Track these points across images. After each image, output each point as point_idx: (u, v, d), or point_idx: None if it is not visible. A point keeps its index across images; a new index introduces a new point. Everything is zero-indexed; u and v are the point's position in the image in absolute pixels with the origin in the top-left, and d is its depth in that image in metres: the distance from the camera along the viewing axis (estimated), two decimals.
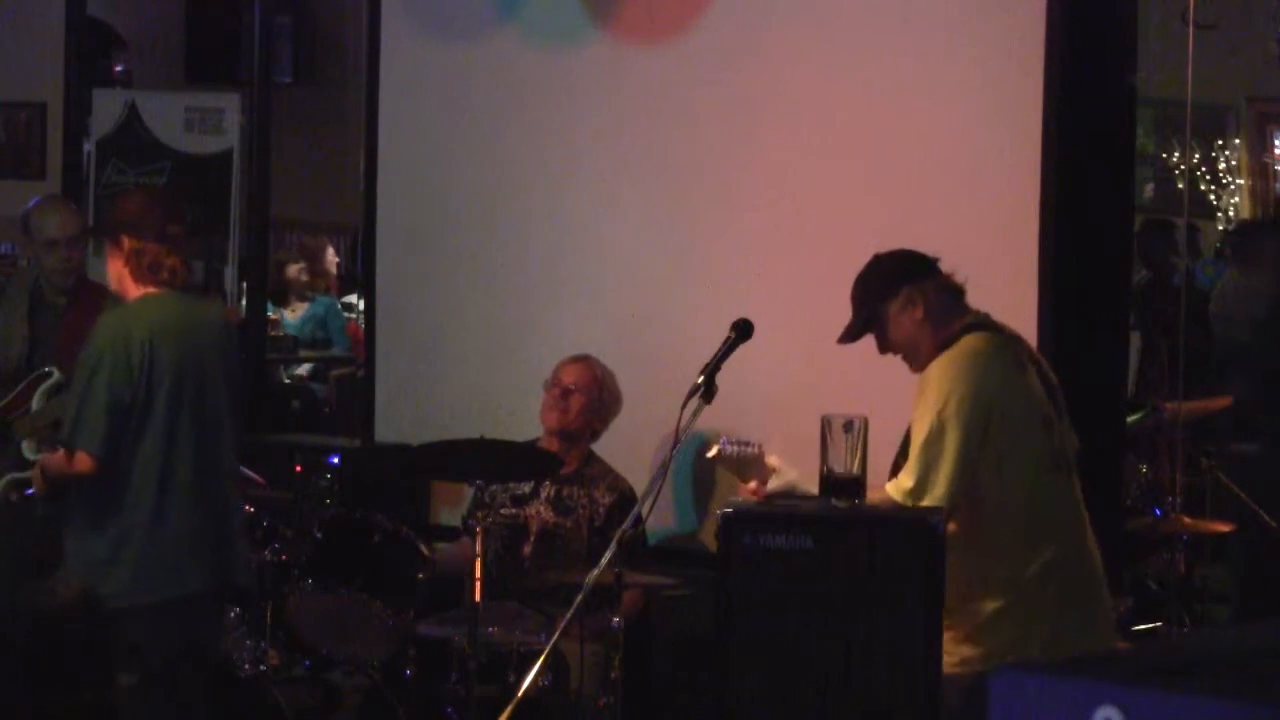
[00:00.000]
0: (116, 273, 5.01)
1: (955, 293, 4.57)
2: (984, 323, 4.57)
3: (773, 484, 4.50)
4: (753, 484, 4.53)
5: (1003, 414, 4.39)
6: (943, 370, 4.41)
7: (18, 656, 3.27)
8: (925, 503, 4.28)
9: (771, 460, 4.54)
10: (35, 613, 3.34)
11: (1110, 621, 4.59)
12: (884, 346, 4.59)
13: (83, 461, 4.83)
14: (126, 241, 4.96)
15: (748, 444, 4.55)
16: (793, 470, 4.51)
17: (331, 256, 11.34)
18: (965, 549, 4.30)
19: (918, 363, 4.52)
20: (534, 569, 5.80)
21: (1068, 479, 4.52)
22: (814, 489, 4.45)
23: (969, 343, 4.47)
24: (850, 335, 4.61)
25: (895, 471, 4.44)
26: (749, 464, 4.55)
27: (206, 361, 5.02)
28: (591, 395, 5.96)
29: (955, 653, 4.28)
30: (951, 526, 4.28)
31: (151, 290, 4.96)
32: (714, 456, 4.61)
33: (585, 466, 5.97)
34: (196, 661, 5.03)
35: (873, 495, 4.32)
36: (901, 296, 4.51)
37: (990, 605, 4.34)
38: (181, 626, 4.93)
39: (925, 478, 4.30)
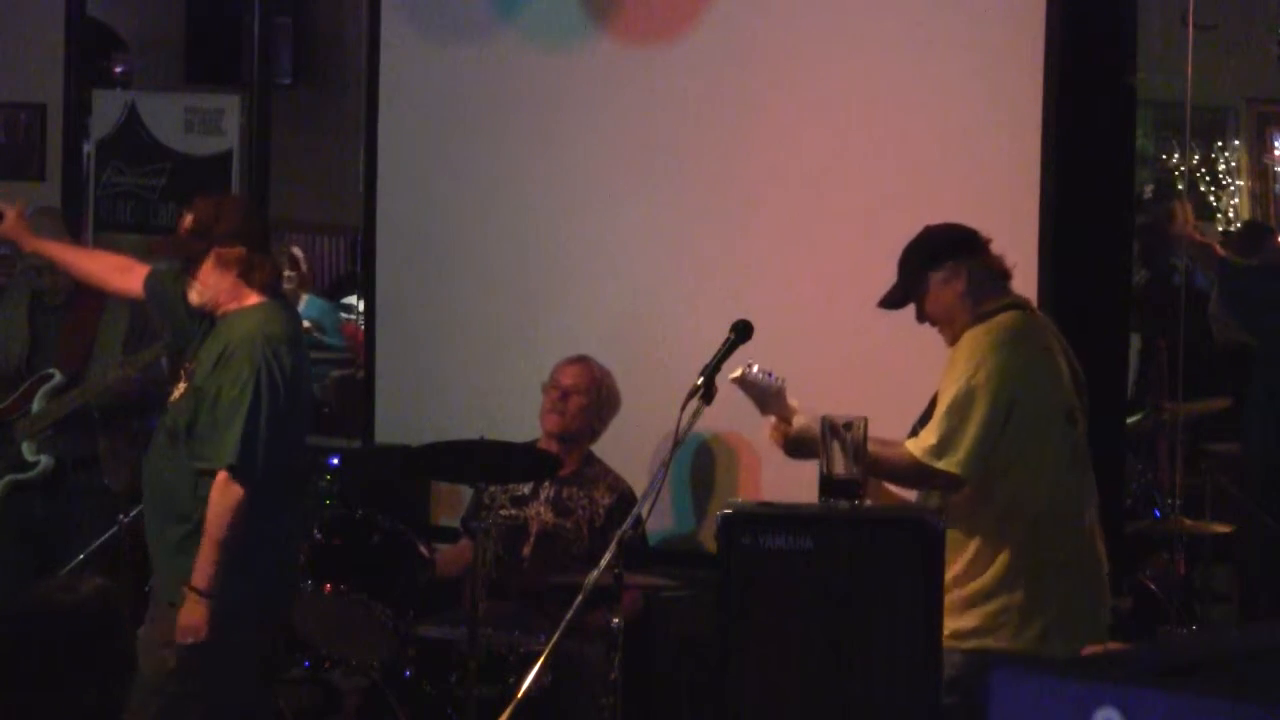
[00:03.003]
0: (228, 284, 4.85)
1: (1000, 274, 4.63)
2: (1023, 304, 4.63)
3: (797, 422, 4.52)
4: (774, 420, 4.56)
5: (1028, 394, 4.43)
6: (976, 341, 4.46)
7: (37, 655, 3.27)
8: (942, 464, 4.31)
9: (793, 402, 4.56)
10: (55, 609, 3.34)
11: (1105, 623, 4.60)
12: (922, 316, 4.64)
13: (251, 487, 4.75)
14: (242, 253, 4.85)
15: (771, 375, 4.56)
16: (807, 416, 4.54)
17: (298, 255, 11.33)
18: (976, 528, 4.34)
19: (952, 335, 4.56)
20: (534, 570, 5.80)
21: (1084, 478, 4.54)
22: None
23: (1004, 319, 4.52)
24: (892, 301, 4.67)
25: (914, 434, 4.47)
26: (770, 396, 4.57)
27: (309, 365, 5.12)
28: (590, 396, 5.96)
29: (949, 625, 4.30)
30: (967, 491, 4.32)
31: (268, 299, 4.90)
32: (736, 379, 4.59)
33: (585, 467, 5.97)
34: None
35: (890, 450, 4.35)
36: (946, 269, 4.57)
37: (981, 582, 4.36)
38: (284, 617, 5.11)
39: (949, 439, 4.33)
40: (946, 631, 4.28)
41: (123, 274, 5.26)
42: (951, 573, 4.35)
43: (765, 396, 4.59)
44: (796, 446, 4.56)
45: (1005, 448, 4.38)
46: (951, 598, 4.33)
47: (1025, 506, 4.41)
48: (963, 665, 4.21)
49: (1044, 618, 4.37)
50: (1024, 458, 4.41)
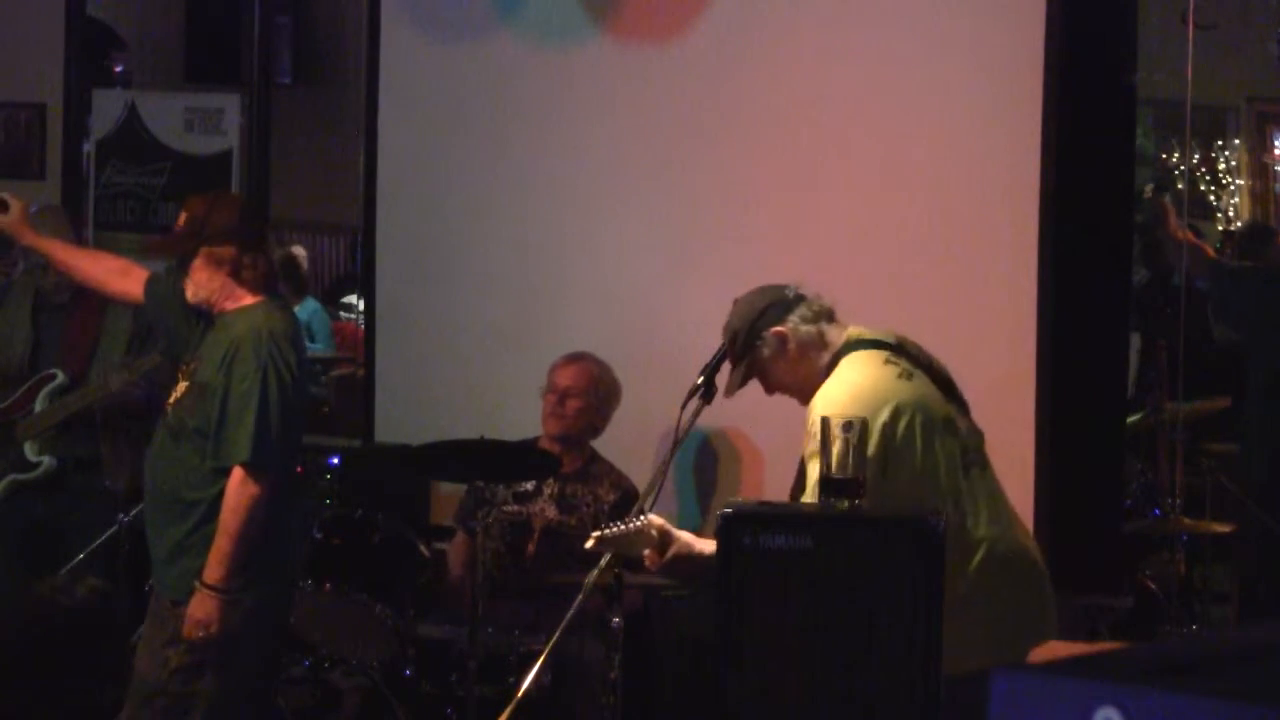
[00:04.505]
0: (219, 283, 4.85)
1: (823, 317, 4.42)
2: (859, 341, 4.40)
3: (674, 549, 4.33)
4: (649, 553, 4.35)
5: (899, 432, 4.24)
6: (828, 401, 4.23)
7: (32, 652, 3.28)
8: None
9: (655, 520, 4.35)
10: (53, 610, 3.35)
11: (1052, 614, 4.42)
12: (770, 389, 4.46)
13: (268, 482, 4.77)
14: (234, 251, 4.86)
15: (628, 523, 4.39)
16: (683, 533, 4.38)
17: (300, 255, 11.37)
18: None
19: (805, 398, 4.36)
20: (538, 568, 5.79)
21: (981, 475, 4.38)
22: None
23: (846, 370, 4.32)
24: (734, 387, 4.46)
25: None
26: (635, 539, 4.39)
27: (306, 365, 5.13)
28: (588, 397, 5.96)
29: None
30: None
31: (265, 298, 4.91)
32: (592, 548, 4.45)
33: (588, 465, 5.97)
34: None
35: None
36: (769, 339, 4.39)
37: None
38: (285, 616, 5.12)
39: None
40: None
41: (121, 277, 5.26)
42: None
43: (627, 543, 4.41)
44: (671, 570, 4.37)
45: (898, 487, 4.23)
46: None
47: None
48: None
49: (981, 627, 4.28)
50: (917, 487, 4.24)
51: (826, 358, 4.37)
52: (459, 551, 6.06)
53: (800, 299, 4.44)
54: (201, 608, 4.72)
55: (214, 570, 4.72)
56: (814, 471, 4.10)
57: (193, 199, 5.01)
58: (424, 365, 6.83)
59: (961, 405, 4.45)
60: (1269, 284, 7.24)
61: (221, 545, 4.71)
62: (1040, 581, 4.42)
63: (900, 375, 4.33)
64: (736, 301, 4.52)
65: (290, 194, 9.71)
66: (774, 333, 4.39)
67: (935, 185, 5.88)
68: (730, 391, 4.47)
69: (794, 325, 4.39)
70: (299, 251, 11.36)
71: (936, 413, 4.32)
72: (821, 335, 4.40)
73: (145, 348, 6.05)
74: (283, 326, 4.88)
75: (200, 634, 4.73)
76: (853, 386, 4.27)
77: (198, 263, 4.86)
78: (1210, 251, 7.56)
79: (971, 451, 4.39)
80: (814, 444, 4.05)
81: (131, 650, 5.03)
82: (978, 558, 4.30)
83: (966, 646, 4.19)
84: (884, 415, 4.22)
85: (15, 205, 5.35)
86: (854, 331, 4.43)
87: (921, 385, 4.35)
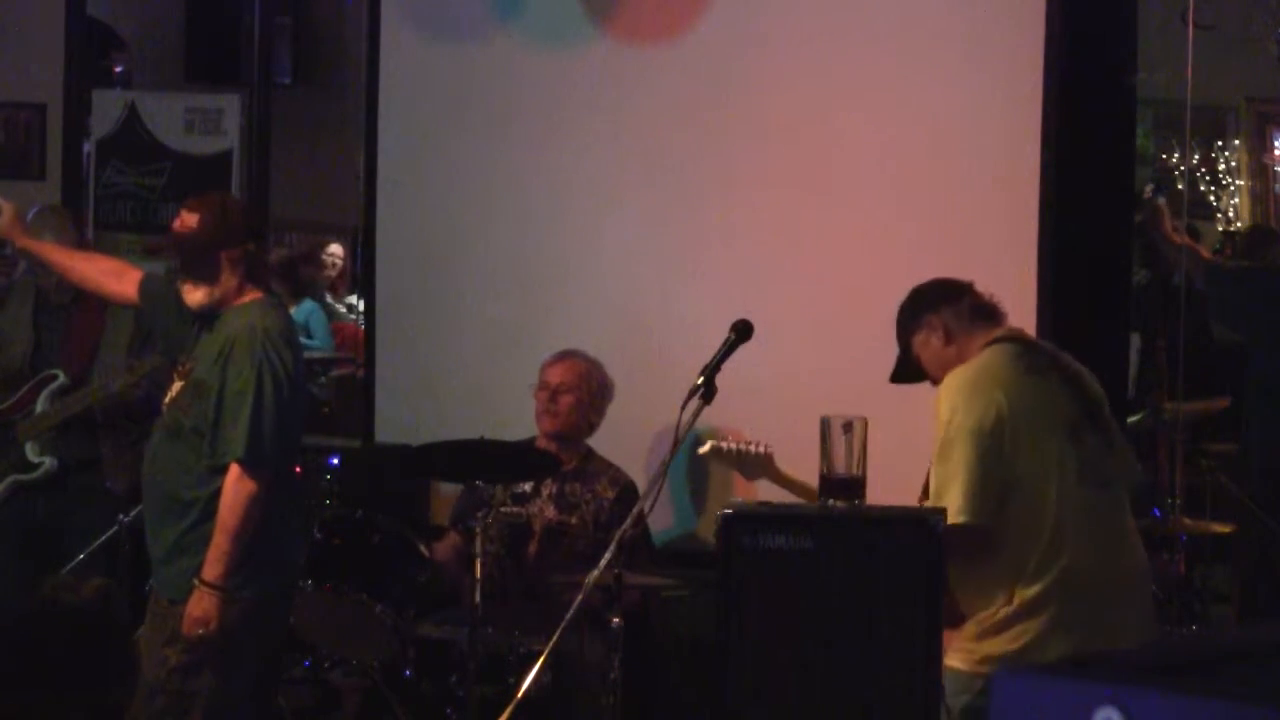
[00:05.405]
0: (235, 283, 4.84)
1: (983, 313, 4.55)
2: (1009, 337, 4.53)
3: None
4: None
5: (1014, 417, 4.32)
6: (950, 384, 4.40)
7: (39, 655, 3.27)
8: (948, 521, 4.24)
9: (785, 469, 4.49)
10: (57, 609, 3.34)
11: (1147, 639, 4.39)
12: (926, 376, 4.58)
13: (264, 479, 4.74)
14: (251, 247, 4.85)
15: (755, 444, 4.50)
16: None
17: (336, 253, 11.39)
18: (986, 551, 4.27)
19: None
20: (540, 568, 5.79)
21: (1102, 495, 4.41)
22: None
23: (983, 357, 4.45)
24: (897, 375, 4.63)
25: (926, 488, 4.43)
26: (750, 465, 4.50)
27: (303, 363, 5.08)
28: (579, 392, 5.95)
29: (976, 650, 4.28)
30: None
31: (262, 295, 4.90)
32: (706, 453, 4.53)
33: (586, 463, 5.97)
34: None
35: None
36: (925, 327, 4.54)
37: (1007, 609, 4.31)
38: (285, 615, 5.08)
39: (940, 493, 4.28)
40: (976, 657, 4.25)
41: (116, 279, 5.25)
42: (986, 608, 4.31)
43: (745, 466, 4.52)
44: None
45: (1004, 470, 4.31)
46: (983, 625, 4.30)
47: (1036, 526, 4.32)
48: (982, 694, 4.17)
49: (1073, 636, 4.28)
50: (1023, 481, 4.32)
51: (971, 351, 4.48)
52: (447, 551, 6.04)
53: (965, 292, 4.57)
54: (200, 605, 4.72)
55: (212, 568, 4.72)
56: (934, 451, 4.28)
57: (198, 202, 4.98)
58: (424, 365, 6.83)
59: (1100, 426, 4.48)
60: (1269, 284, 7.23)
61: (220, 543, 4.71)
62: (1118, 623, 4.36)
63: (1027, 370, 4.44)
64: (911, 290, 4.67)
65: (290, 194, 9.72)
66: (930, 318, 4.53)
67: (935, 184, 5.88)
68: (893, 379, 4.61)
69: (949, 316, 4.53)
70: (336, 250, 11.38)
71: (1055, 413, 4.41)
72: (974, 329, 4.52)
73: (146, 349, 6.04)
74: (278, 325, 4.87)
75: (199, 632, 4.72)
76: (970, 369, 4.41)
77: (220, 265, 4.85)
78: (1205, 253, 7.56)
79: (1094, 466, 4.41)
80: (937, 422, 4.30)
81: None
82: (1058, 566, 4.31)
83: (1020, 652, 4.20)
84: (998, 397, 4.33)
85: (6, 209, 5.35)
86: (1012, 330, 4.56)
87: (1051, 385, 4.44)
